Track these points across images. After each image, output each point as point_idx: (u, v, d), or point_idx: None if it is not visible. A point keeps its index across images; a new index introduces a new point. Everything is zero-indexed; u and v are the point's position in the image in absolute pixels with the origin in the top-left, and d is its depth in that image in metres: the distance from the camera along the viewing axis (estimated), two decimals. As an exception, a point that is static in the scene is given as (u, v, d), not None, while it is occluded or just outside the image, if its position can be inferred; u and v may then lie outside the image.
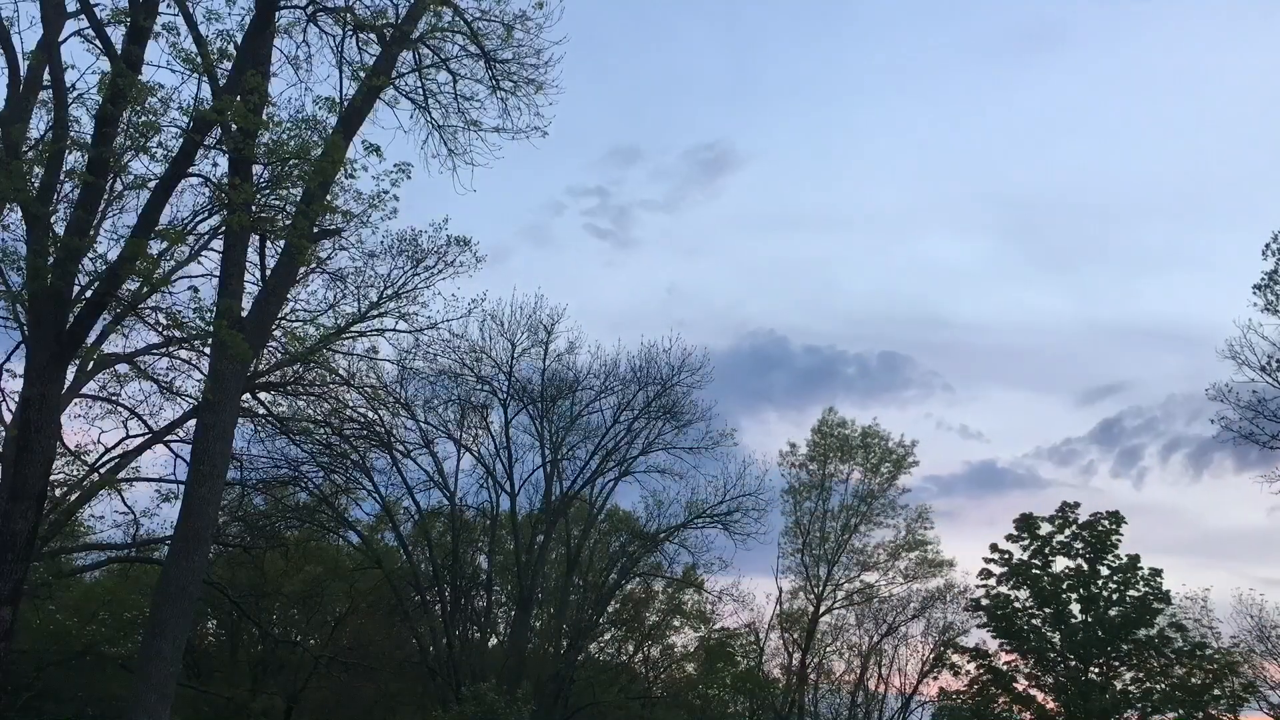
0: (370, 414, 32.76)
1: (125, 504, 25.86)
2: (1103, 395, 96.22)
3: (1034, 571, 41.48)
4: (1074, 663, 39.96)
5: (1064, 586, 40.70)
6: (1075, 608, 40.67)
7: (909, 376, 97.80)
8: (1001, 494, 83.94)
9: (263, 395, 27.35)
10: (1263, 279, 26.44)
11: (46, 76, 16.56)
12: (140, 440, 25.23)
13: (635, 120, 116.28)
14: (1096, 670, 39.80)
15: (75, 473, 25.19)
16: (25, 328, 20.09)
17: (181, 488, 19.40)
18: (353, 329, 27.99)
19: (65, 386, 18.13)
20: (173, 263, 21.59)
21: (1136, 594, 40.13)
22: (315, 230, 18.76)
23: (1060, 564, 41.45)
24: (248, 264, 19.23)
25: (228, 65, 15.80)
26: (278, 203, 18.32)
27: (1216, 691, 38.69)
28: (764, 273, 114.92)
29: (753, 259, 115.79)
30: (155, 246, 16.12)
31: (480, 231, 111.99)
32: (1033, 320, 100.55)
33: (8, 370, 22.53)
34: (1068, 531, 41.59)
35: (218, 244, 20.54)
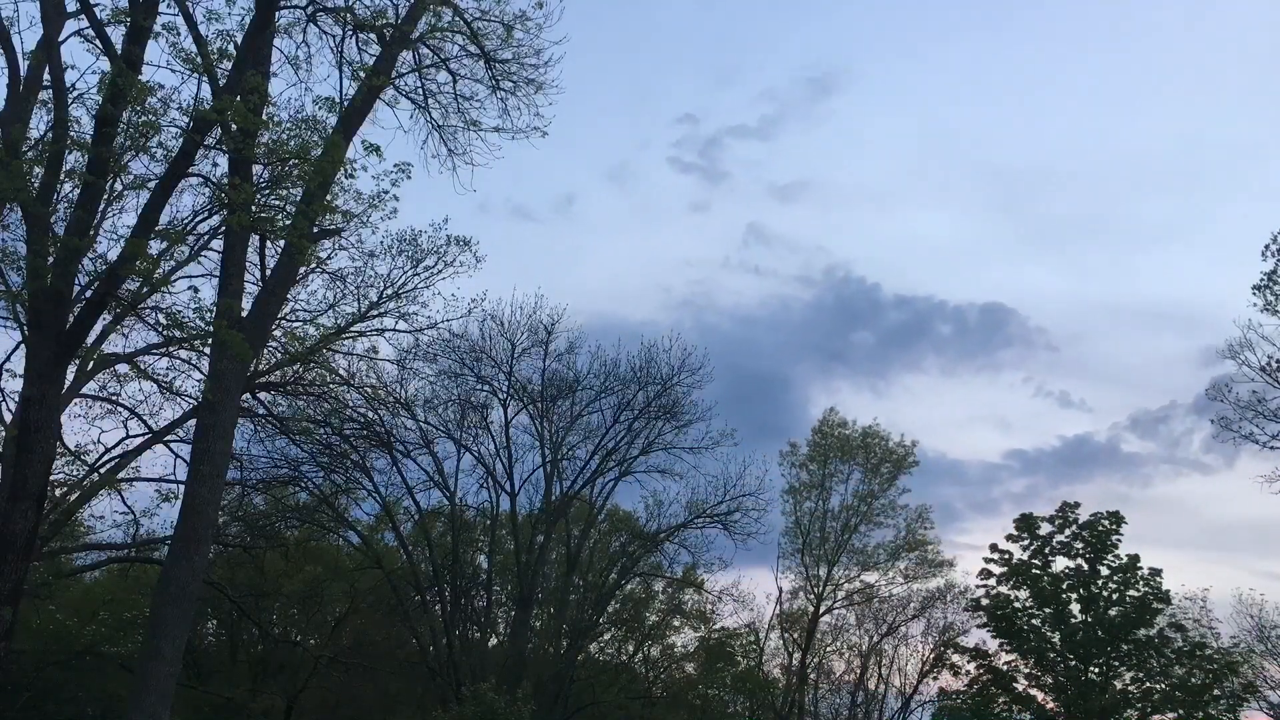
0: (370, 414, 32.76)
1: (125, 504, 25.84)
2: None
3: (1034, 571, 41.48)
4: (1074, 663, 39.95)
5: (1064, 586, 40.69)
6: (1075, 608, 40.67)
7: (1011, 334, 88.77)
8: (1088, 475, 77.74)
9: (263, 395, 27.34)
10: (1262, 279, 26.45)
11: (46, 76, 16.56)
12: (140, 440, 25.21)
13: (733, 41, 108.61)
14: (1096, 670, 39.79)
15: (75, 473, 25.14)
16: (25, 328, 20.09)
17: (181, 488, 19.38)
18: (353, 329, 27.98)
19: (65, 386, 18.13)
20: (173, 263, 21.62)
21: (1136, 594, 40.12)
22: (315, 230, 18.77)
23: (1060, 564, 41.48)
24: (248, 264, 19.26)
25: (228, 65, 15.79)
26: (278, 203, 18.33)
27: (1216, 691, 38.68)
28: (860, 209, 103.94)
29: (847, 193, 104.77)
30: (155, 246, 16.13)
31: (551, 178, 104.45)
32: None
33: (8, 370, 22.57)
34: (1068, 531, 41.59)
35: (218, 244, 20.57)
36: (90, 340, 19.87)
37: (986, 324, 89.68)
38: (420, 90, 20.96)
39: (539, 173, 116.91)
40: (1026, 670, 41.21)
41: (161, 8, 15.24)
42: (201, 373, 22.30)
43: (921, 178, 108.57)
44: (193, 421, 22.72)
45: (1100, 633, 39.47)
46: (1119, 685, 39.73)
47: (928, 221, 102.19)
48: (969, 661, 43.46)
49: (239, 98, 14.94)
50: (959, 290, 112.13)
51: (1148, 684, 39.51)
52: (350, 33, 19.84)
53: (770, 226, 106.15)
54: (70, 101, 16.26)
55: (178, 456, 24.78)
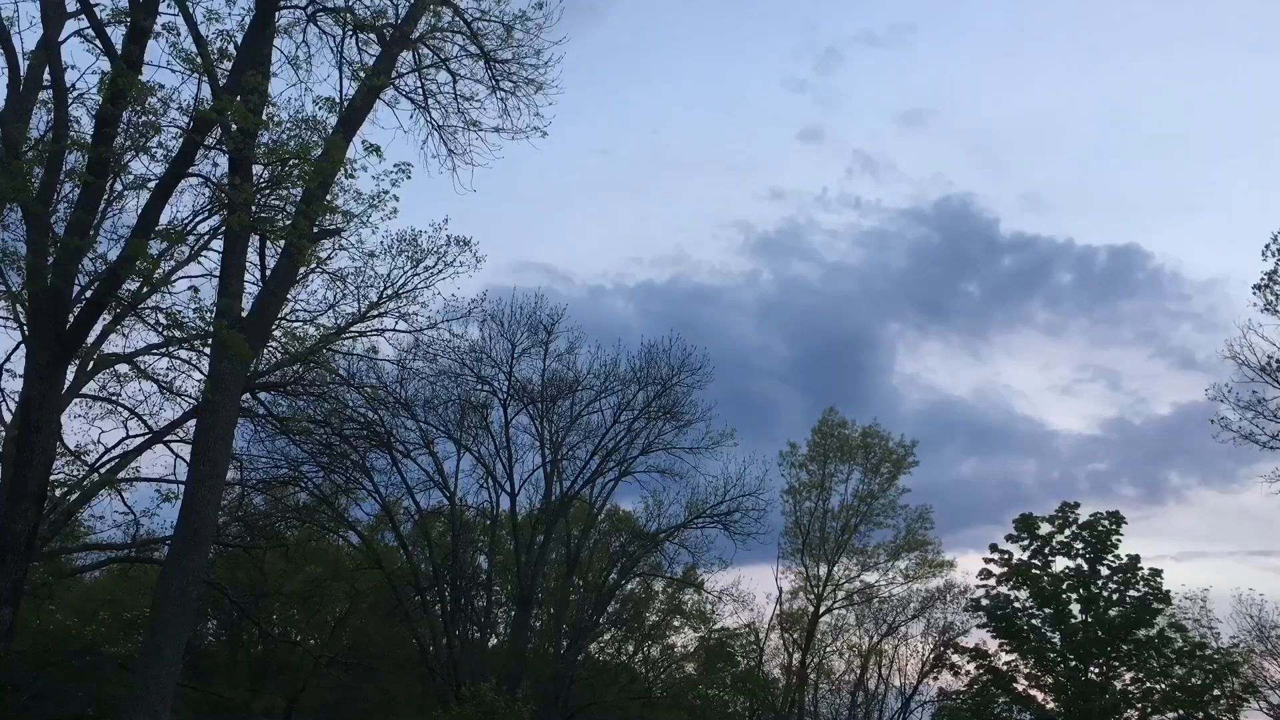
0: (370, 414, 32.78)
1: (125, 504, 25.86)
2: None
3: (1034, 571, 41.48)
4: (1074, 663, 39.95)
5: (1064, 586, 40.70)
6: (1075, 608, 40.68)
7: (1138, 282, 79.10)
8: (1195, 449, 70.65)
9: (263, 395, 27.35)
10: (1263, 279, 26.45)
11: (46, 76, 16.56)
12: (140, 440, 25.22)
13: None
14: (1096, 670, 39.80)
15: (75, 473, 25.17)
16: (25, 328, 20.10)
17: (181, 488, 19.38)
18: (353, 329, 27.98)
19: (65, 386, 18.13)
20: (173, 263, 21.68)
21: (1136, 594, 40.13)
22: (315, 230, 18.75)
23: (1060, 564, 41.49)
24: (248, 264, 19.23)
25: (228, 65, 15.78)
26: (278, 203, 18.36)
27: (1216, 691, 38.69)
28: (994, 133, 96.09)
29: (981, 115, 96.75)
30: (155, 246, 16.14)
31: (640, 104, 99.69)
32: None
33: (8, 370, 22.57)
34: (1068, 531, 41.60)
35: (218, 244, 20.59)
36: (90, 340, 19.93)
37: (1113, 270, 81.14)
38: (420, 90, 20.96)
39: (627, 99, 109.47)
40: (1026, 670, 41.21)
41: (161, 8, 15.23)
42: (201, 373, 22.32)
43: (1070, 109, 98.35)
44: (193, 421, 22.72)
45: (1100, 633, 39.47)
46: (1119, 685, 39.75)
47: (1068, 153, 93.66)
48: (969, 661, 43.46)
49: (239, 98, 14.94)
50: (1088, 231, 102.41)
51: (1148, 684, 39.53)
52: (350, 33, 19.82)
53: (885, 154, 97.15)
54: (70, 101, 16.27)
55: (178, 456, 24.80)
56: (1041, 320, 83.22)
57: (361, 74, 19.07)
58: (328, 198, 17.51)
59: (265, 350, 23.79)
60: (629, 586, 43.38)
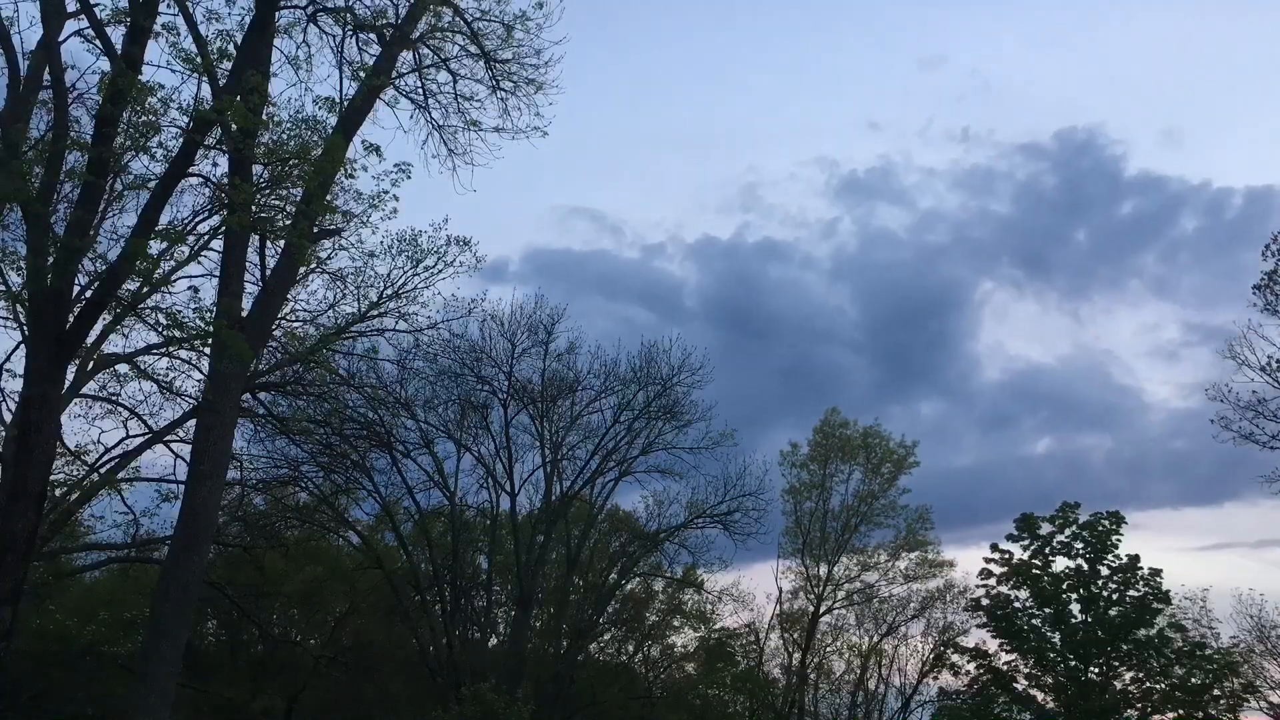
0: (370, 414, 32.76)
1: (125, 504, 25.82)
2: None
3: (1034, 571, 41.50)
4: (1074, 663, 39.98)
5: (1064, 586, 40.72)
6: (1075, 608, 40.70)
7: (1271, 229, 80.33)
8: None
9: (263, 395, 27.32)
10: (1262, 279, 26.45)
11: (46, 76, 16.56)
12: (140, 440, 25.17)
13: None
14: (1096, 670, 39.82)
15: (75, 473, 25.14)
16: (25, 328, 20.09)
17: (181, 488, 19.39)
18: (353, 329, 27.94)
19: (65, 386, 18.12)
20: (173, 263, 21.56)
21: (1136, 594, 40.16)
22: (315, 230, 18.77)
23: (1060, 564, 41.50)
24: (248, 264, 19.25)
25: (228, 65, 15.80)
26: (278, 203, 18.31)
27: (1216, 691, 38.71)
28: (1135, 58, 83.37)
29: (1122, 39, 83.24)
30: (155, 246, 16.11)
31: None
32: None
33: (8, 370, 22.53)
34: (1068, 531, 41.61)
35: (218, 244, 20.53)
36: (90, 340, 19.91)
37: (1247, 215, 71.72)
38: (420, 90, 20.98)
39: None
40: (1026, 670, 41.24)
41: (161, 8, 15.24)
42: (201, 373, 22.28)
43: (1225, 33, 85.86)
44: (193, 421, 22.70)
45: (1100, 633, 39.50)
46: (1119, 685, 39.77)
47: (1218, 83, 79.63)
48: (969, 661, 43.49)
49: (239, 98, 14.94)
50: (1229, 172, 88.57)
51: (1148, 684, 39.55)
52: (350, 33, 19.84)
53: (1006, 79, 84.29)
54: (70, 101, 16.27)
55: (178, 456, 24.76)
56: (1152, 274, 74.93)
57: (361, 74, 19.09)
58: (328, 198, 17.52)
59: (265, 350, 23.78)
60: (629, 586, 43.37)
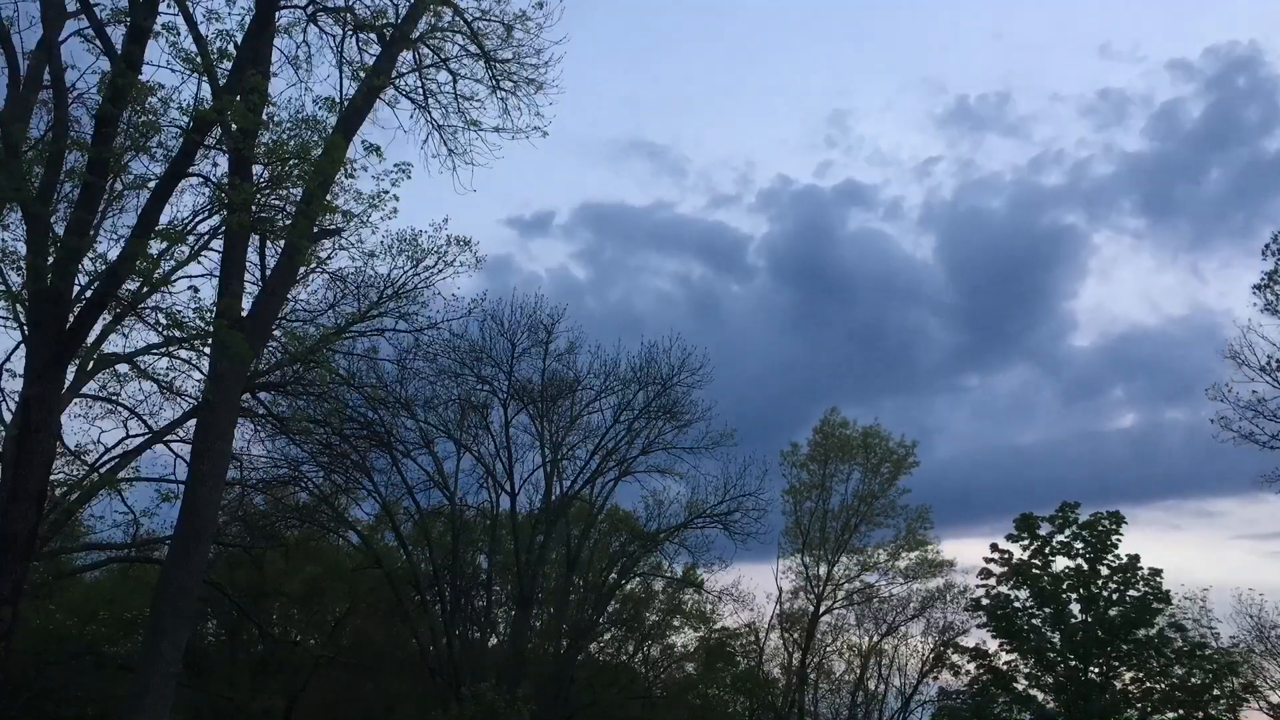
0: (370, 414, 32.76)
1: (125, 504, 25.82)
2: None
3: (1034, 571, 41.50)
4: (1074, 663, 39.98)
5: (1064, 586, 40.72)
6: (1075, 608, 40.71)
7: None
8: None
9: (263, 395, 27.33)
10: (1263, 279, 26.44)
11: (46, 76, 16.56)
12: (140, 440, 25.20)
13: None
14: (1096, 670, 39.82)
15: (75, 473, 25.16)
16: (25, 328, 20.08)
17: (181, 488, 19.38)
18: (353, 329, 27.96)
19: (65, 386, 18.11)
20: (173, 263, 21.59)
21: (1136, 594, 40.16)
22: (315, 230, 18.76)
23: (1060, 564, 41.50)
24: (248, 264, 19.25)
25: (228, 65, 15.79)
26: (278, 203, 18.33)
27: (1216, 691, 38.71)
28: None
29: None
30: (155, 246, 16.13)
31: None
32: None
33: (8, 370, 22.53)
34: (1068, 531, 41.62)
35: (218, 244, 20.55)
36: (90, 340, 19.89)
37: None
38: (420, 90, 20.97)
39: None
40: (1026, 670, 41.24)
41: (161, 8, 15.24)
42: (201, 373, 22.28)
43: None
44: (193, 421, 22.71)
45: (1100, 633, 39.50)
46: (1119, 685, 39.77)
47: None
48: (969, 661, 43.50)
49: (239, 98, 14.95)
50: None
51: (1148, 684, 39.55)
52: (350, 33, 19.84)
53: None
54: (70, 101, 16.29)
55: (178, 456, 24.77)
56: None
57: (361, 74, 19.09)
58: (328, 198, 17.51)
59: (265, 350, 23.78)
60: (629, 586, 43.36)
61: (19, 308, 19.59)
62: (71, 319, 15.10)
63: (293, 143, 16.35)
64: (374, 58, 19.64)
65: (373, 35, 19.75)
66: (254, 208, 16.83)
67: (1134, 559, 40.77)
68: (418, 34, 20.16)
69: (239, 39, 16.22)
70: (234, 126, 15.27)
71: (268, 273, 19.54)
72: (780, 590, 48.44)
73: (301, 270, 22.52)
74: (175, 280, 19.64)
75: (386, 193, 17.81)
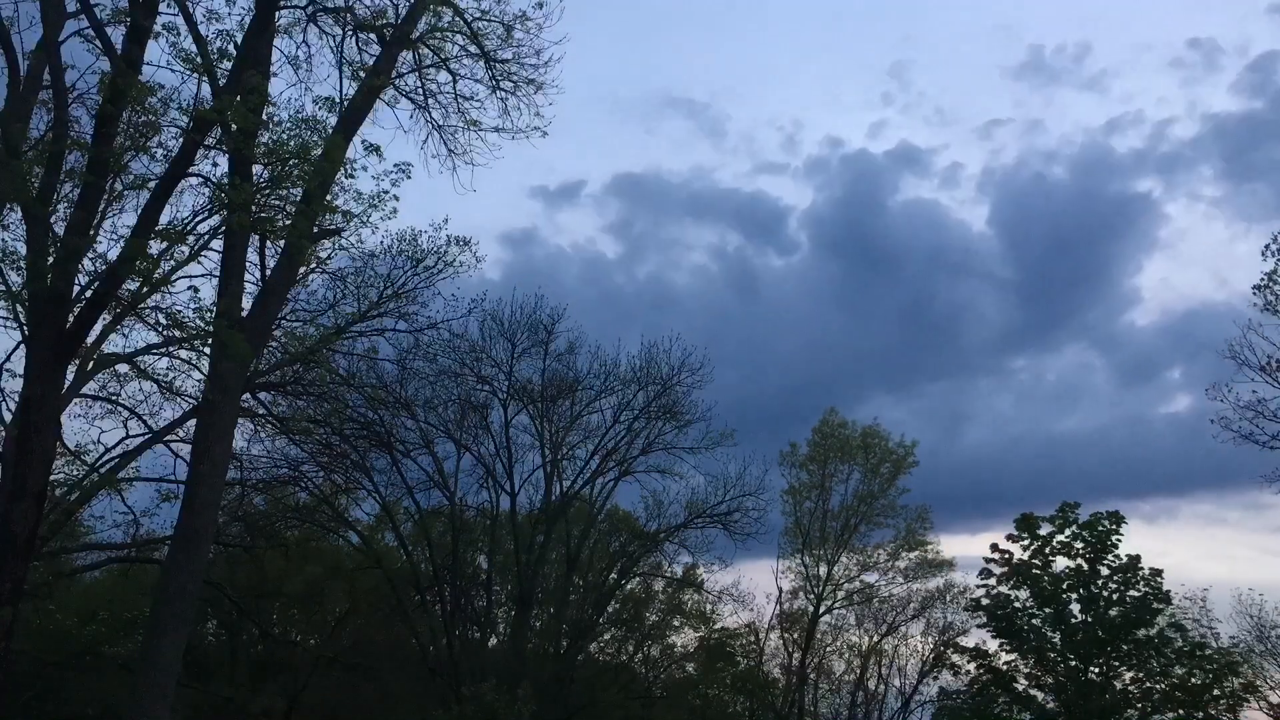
0: (370, 414, 32.76)
1: (125, 504, 25.86)
2: None
3: (1034, 571, 41.48)
4: (1074, 663, 39.95)
5: (1064, 586, 40.70)
6: (1075, 608, 40.68)
7: None
8: None
9: (263, 395, 27.34)
10: (1263, 279, 26.41)
11: (46, 76, 16.57)
12: (140, 440, 25.22)
13: None
14: (1096, 670, 39.79)
15: (75, 473, 25.18)
16: (25, 328, 20.09)
17: (181, 488, 19.38)
18: (353, 329, 27.98)
19: (65, 386, 18.12)
20: (173, 263, 21.59)
21: (1136, 594, 40.13)
22: (315, 230, 18.77)
23: (1060, 564, 41.48)
24: (248, 264, 19.22)
25: (228, 65, 15.80)
26: (278, 203, 18.34)
27: (1216, 691, 38.68)
28: None
29: None
30: (155, 246, 16.14)
31: None
32: None
33: (8, 370, 22.54)
34: (1068, 531, 41.60)
35: (218, 244, 20.56)
36: (90, 340, 19.92)
37: None
38: (420, 90, 20.96)
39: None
40: (1026, 670, 41.21)
41: (161, 8, 15.26)
42: (201, 373, 22.31)
43: None
44: (193, 421, 22.72)
45: (1100, 633, 39.46)
46: (1119, 685, 39.74)
47: None
48: (969, 661, 43.47)
49: (239, 98, 14.95)
50: None
51: (1148, 684, 39.51)
52: (350, 33, 19.83)
53: None
54: (70, 101, 16.30)
55: (178, 456, 24.80)
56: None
57: (361, 74, 19.08)
58: (328, 198, 17.52)
59: (265, 350, 23.78)
60: (629, 586, 43.37)
61: (19, 308, 19.62)
62: (71, 319, 15.12)
63: (293, 143, 16.36)
64: (374, 58, 19.62)
65: (373, 35, 19.75)
66: (254, 208, 16.83)
67: (1134, 559, 40.76)
68: (418, 34, 20.15)
69: (239, 39, 16.24)
70: (234, 126, 15.27)
71: (268, 273, 19.52)
72: (780, 590, 48.51)
73: (301, 270, 22.53)
74: (175, 280, 19.68)
75: (386, 193, 17.85)
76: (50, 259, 14.96)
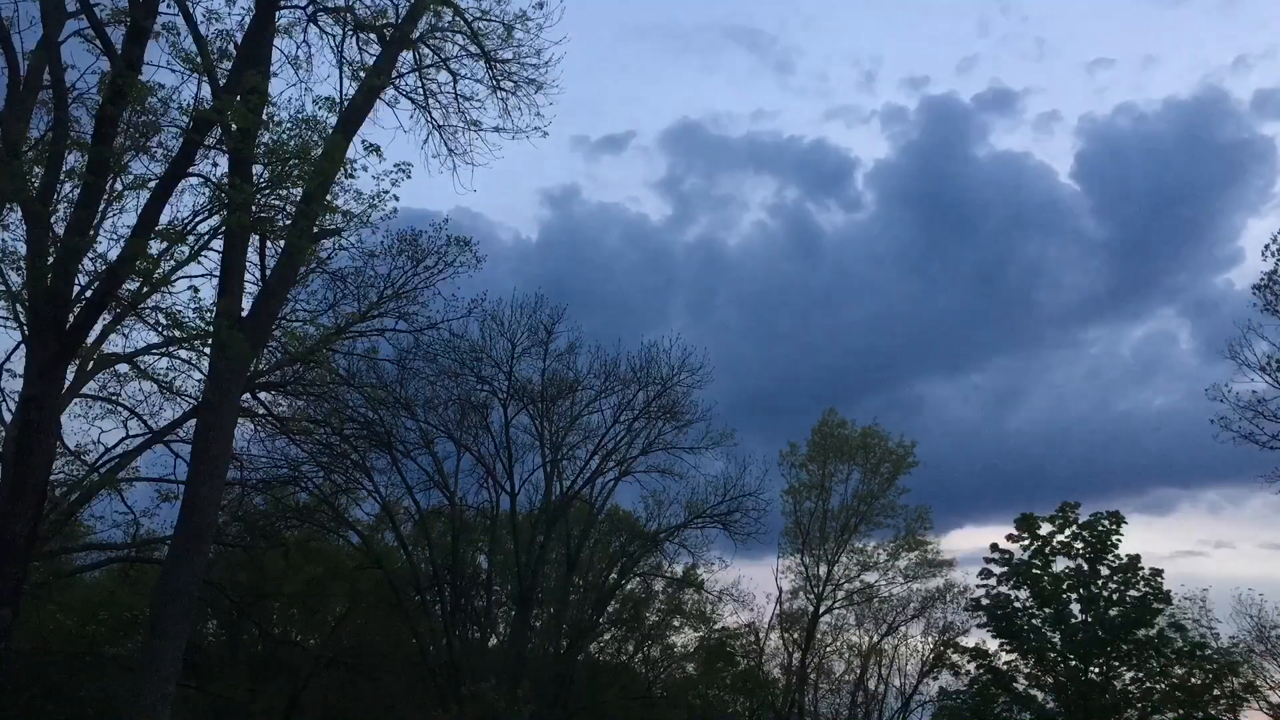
0: (370, 414, 32.75)
1: (125, 504, 25.88)
2: None
3: (1034, 571, 41.50)
4: (1074, 663, 39.98)
5: (1064, 586, 40.72)
6: (1075, 608, 40.71)
7: None
8: None
9: (263, 395, 27.36)
10: (1262, 279, 26.44)
11: (46, 76, 16.57)
12: (140, 440, 25.24)
13: None
14: (1096, 670, 39.82)
15: (75, 473, 25.19)
16: (25, 328, 20.10)
17: (181, 488, 19.38)
18: (353, 329, 27.98)
19: (65, 386, 18.13)
20: (173, 263, 21.57)
21: (1136, 594, 40.17)
22: (315, 230, 18.76)
23: (1060, 564, 41.50)
24: (248, 264, 19.23)
25: (228, 65, 15.80)
26: (278, 203, 18.32)
27: (1216, 691, 38.71)
28: None
29: None
30: (155, 246, 16.13)
31: None
32: None
33: (8, 370, 22.58)
34: (1068, 531, 41.62)
35: (218, 244, 20.54)
36: (90, 340, 19.92)
37: None
38: (420, 90, 20.96)
39: None
40: (1026, 670, 41.24)
41: (161, 8, 15.26)
42: (201, 373, 22.34)
43: None
44: (193, 421, 22.73)
45: (1100, 633, 39.50)
46: (1119, 685, 39.77)
47: None
48: (969, 661, 43.51)
49: (239, 98, 14.95)
50: None
51: (1148, 684, 39.55)
52: (350, 33, 19.83)
53: None
54: (70, 101, 16.30)
55: (178, 456, 24.83)
56: None
57: (361, 74, 19.08)
58: (328, 198, 17.51)
59: (265, 350, 23.80)
60: (629, 586, 43.37)
61: (19, 308, 19.62)
62: (71, 319, 15.11)
63: (293, 143, 16.35)
64: (374, 58, 19.63)
65: (373, 35, 19.75)
66: (254, 208, 16.83)
67: (1134, 559, 40.79)
68: (418, 34, 20.16)
69: (239, 39, 16.25)
70: (234, 126, 15.26)
71: (268, 273, 19.52)
72: (780, 590, 48.52)
73: (301, 270, 22.53)
74: (175, 280, 19.63)
75: (386, 193, 17.84)
76: (50, 259, 14.96)
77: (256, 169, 17.34)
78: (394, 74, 19.98)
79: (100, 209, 18.68)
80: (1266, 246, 26.46)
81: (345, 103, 18.82)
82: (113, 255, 16.32)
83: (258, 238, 19.43)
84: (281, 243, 18.75)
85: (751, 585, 73.52)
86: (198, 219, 22.49)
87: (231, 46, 16.01)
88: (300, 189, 17.22)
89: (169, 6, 15.42)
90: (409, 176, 17.58)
